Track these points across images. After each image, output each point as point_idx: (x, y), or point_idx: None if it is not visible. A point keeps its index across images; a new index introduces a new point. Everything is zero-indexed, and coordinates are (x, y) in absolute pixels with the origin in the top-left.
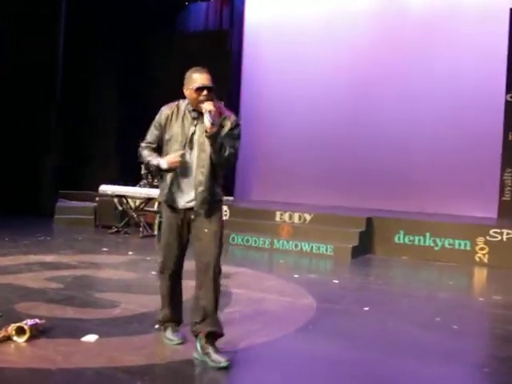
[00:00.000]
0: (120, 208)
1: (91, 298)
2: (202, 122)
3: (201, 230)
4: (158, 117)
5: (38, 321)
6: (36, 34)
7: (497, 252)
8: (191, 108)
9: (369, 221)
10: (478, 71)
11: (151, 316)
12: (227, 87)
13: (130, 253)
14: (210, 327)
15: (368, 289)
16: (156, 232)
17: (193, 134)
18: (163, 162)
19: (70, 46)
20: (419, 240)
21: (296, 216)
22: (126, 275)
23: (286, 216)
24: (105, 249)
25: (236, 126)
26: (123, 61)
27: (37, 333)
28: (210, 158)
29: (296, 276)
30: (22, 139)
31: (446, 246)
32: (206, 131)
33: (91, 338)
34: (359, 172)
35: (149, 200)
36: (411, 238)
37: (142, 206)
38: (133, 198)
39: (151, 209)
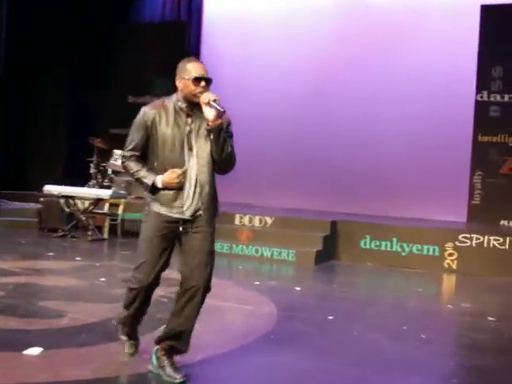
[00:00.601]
0: (67, 210)
1: (35, 307)
2: (198, 118)
3: (193, 246)
4: (140, 119)
5: None
6: None
7: (466, 258)
8: (183, 104)
9: (333, 225)
10: (448, 70)
11: (100, 326)
12: None
13: (78, 258)
14: (176, 343)
15: (332, 296)
16: (105, 236)
17: (189, 132)
18: (159, 182)
19: (13, 38)
20: (386, 245)
21: (256, 219)
22: (74, 282)
23: (246, 219)
24: (50, 254)
25: (230, 123)
26: (75, 56)
27: None
28: (210, 157)
29: (256, 283)
30: None
31: (414, 251)
32: (208, 124)
33: (35, 350)
34: (324, 173)
35: (98, 201)
36: (377, 242)
37: (90, 208)
38: (81, 198)
39: (101, 211)
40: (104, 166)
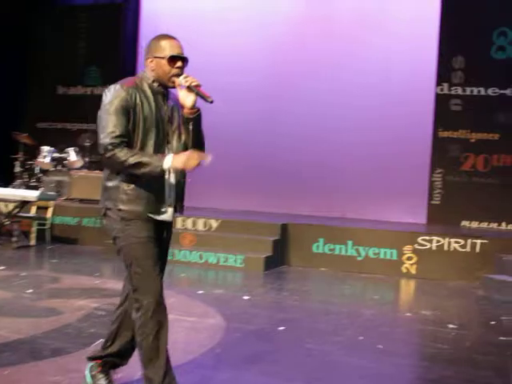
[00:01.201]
0: None
1: None
2: (173, 102)
3: (163, 252)
4: (121, 98)
5: None
6: None
7: (425, 262)
8: (156, 84)
9: (284, 228)
10: (407, 62)
11: (26, 344)
12: (120, 67)
13: (1, 267)
14: (119, 360)
15: (283, 305)
16: (32, 242)
17: (168, 121)
18: (176, 163)
19: None
20: (340, 249)
21: (200, 222)
22: None
23: (189, 222)
24: None
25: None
26: None
27: None
28: (184, 147)
29: (201, 292)
30: None
31: (371, 255)
32: (185, 112)
33: None
34: (274, 173)
35: (24, 204)
36: (331, 246)
37: (15, 211)
38: (4, 201)
39: (27, 214)
40: (31, 165)
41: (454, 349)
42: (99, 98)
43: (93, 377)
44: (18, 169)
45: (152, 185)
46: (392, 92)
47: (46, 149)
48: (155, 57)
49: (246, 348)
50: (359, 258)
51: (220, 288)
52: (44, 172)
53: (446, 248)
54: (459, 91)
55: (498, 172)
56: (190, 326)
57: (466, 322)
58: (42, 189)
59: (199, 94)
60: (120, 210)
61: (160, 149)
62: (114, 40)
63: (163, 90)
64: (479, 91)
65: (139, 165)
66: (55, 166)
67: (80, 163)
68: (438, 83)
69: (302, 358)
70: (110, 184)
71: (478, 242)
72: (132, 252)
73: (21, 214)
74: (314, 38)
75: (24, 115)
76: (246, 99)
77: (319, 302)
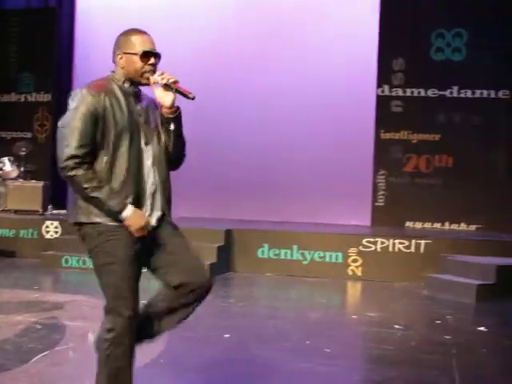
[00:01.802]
0: None
1: None
2: (147, 102)
3: (175, 247)
4: (87, 104)
5: None
6: None
7: (371, 263)
8: (127, 84)
9: (228, 233)
10: (348, 63)
11: None
12: (55, 72)
13: None
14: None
15: (228, 312)
16: None
17: (144, 122)
18: (125, 214)
19: None
20: (286, 253)
21: None
22: None
23: None
24: None
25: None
26: None
27: None
28: (164, 150)
29: (144, 302)
30: None
31: (316, 259)
32: (164, 111)
33: None
34: (216, 177)
35: None
36: (276, 251)
37: None
38: None
39: None
40: None
41: (399, 349)
42: (34, 104)
43: None
44: None
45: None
46: (333, 94)
47: None
48: (125, 53)
49: (191, 356)
50: (305, 262)
51: None
52: None
53: (390, 249)
54: (400, 93)
55: (440, 172)
56: None
57: (411, 323)
58: None
59: (179, 91)
60: (95, 223)
61: (136, 154)
62: (47, 45)
63: (135, 89)
64: (419, 92)
65: (96, 200)
66: None
67: (15, 173)
68: (379, 85)
69: (247, 365)
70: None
71: (422, 242)
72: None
73: None
74: (249, 39)
75: None
76: (187, 104)
77: (265, 308)
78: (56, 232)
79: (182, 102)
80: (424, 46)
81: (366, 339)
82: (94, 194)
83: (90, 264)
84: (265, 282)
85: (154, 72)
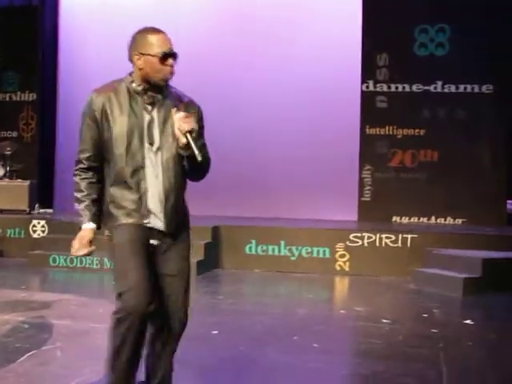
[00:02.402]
0: None
1: None
2: (163, 106)
3: (165, 264)
4: (87, 110)
5: None
6: None
7: (358, 258)
8: (139, 86)
9: (215, 230)
10: (333, 59)
11: None
12: (39, 70)
13: None
14: None
15: (217, 309)
16: None
17: (150, 122)
18: (75, 243)
19: None
20: (273, 249)
21: None
22: None
23: None
24: None
25: (202, 113)
26: None
27: None
28: (178, 158)
29: None
30: None
31: (304, 254)
32: (180, 146)
33: None
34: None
35: None
36: (264, 247)
37: None
38: None
39: None
40: None
41: (387, 343)
42: (19, 103)
43: None
44: None
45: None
46: (318, 90)
47: None
48: (143, 53)
49: (179, 353)
50: (292, 258)
51: None
52: None
53: (377, 244)
54: (384, 88)
55: (426, 167)
56: None
57: (398, 317)
58: None
59: (189, 143)
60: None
61: (137, 155)
62: (31, 43)
63: (146, 90)
64: (404, 88)
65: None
66: None
67: (1, 172)
68: (364, 80)
69: (236, 361)
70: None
71: (409, 236)
72: None
73: None
74: (232, 35)
75: None
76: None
77: (253, 304)
78: (43, 231)
79: None
80: (408, 42)
81: (354, 334)
82: (75, 203)
83: (77, 263)
84: (253, 279)
85: (171, 73)
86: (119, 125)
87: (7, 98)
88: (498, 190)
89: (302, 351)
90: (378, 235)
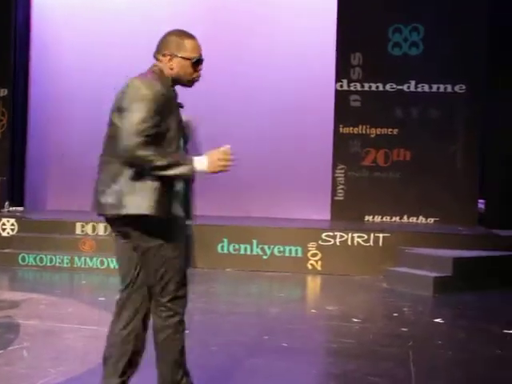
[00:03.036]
0: None
1: None
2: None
3: None
4: (152, 94)
5: None
6: None
7: (330, 257)
8: (172, 87)
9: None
10: (306, 59)
11: None
12: (11, 66)
13: None
14: None
15: (188, 308)
16: None
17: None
18: (204, 165)
19: None
20: (245, 248)
21: (101, 227)
22: None
23: (89, 228)
24: None
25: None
26: None
27: None
28: None
29: (102, 299)
30: None
31: (276, 253)
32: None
33: None
34: None
35: None
36: (236, 246)
37: None
38: None
39: None
40: None
41: (358, 342)
42: None
43: None
44: None
45: None
46: (292, 89)
47: None
48: (176, 55)
49: (147, 354)
50: (264, 257)
51: None
52: None
53: (349, 243)
54: (358, 87)
55: (399, 166)
56: (89, 334)
57: (369, 316)
58: None
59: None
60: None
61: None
62: (2, 38)
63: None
64: (377, 87)
65: (171, 166)
66: None
67: None
68: (338, 79)
69: (206, 361)
70: None
71: (381, 235)
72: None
73: None
74: (205, 31)
75: None
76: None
77: (225, 303)
78: (12, 229)
79: None
80: (381, 41)
81: (325, 333)
82: (170, 170)
83: (47, 262)
84: (225, 278)
85: (199, 78)
86: (171, 122)
87: None
88: (470, 189)
89: (273, 351)
90: (350, 234)
